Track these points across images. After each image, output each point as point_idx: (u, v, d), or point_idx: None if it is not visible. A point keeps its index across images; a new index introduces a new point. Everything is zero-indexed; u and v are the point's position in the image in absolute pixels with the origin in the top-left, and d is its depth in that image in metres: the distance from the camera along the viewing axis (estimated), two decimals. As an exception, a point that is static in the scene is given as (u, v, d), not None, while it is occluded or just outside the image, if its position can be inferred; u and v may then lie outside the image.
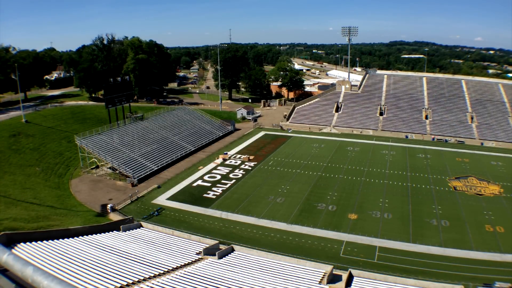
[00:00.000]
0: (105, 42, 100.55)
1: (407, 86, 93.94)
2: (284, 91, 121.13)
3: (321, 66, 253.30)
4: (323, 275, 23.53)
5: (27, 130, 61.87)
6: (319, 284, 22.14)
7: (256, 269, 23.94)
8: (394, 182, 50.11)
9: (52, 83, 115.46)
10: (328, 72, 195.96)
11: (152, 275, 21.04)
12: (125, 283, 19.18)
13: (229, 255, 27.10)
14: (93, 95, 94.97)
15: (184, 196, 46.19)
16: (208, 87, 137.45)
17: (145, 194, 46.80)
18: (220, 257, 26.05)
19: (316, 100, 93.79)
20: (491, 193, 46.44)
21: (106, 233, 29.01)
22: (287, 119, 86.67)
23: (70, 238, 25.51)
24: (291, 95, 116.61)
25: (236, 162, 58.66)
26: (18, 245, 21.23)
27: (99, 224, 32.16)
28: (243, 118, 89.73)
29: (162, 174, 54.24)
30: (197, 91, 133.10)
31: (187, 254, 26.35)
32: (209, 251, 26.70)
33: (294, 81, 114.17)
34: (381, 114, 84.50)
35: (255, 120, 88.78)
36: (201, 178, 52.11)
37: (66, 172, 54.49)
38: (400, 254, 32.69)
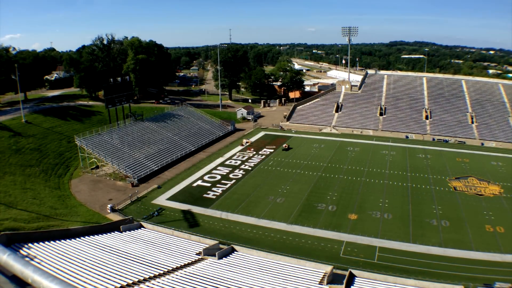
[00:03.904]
0: (105, 42, 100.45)
1: (407, 86, 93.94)
2: (283, 91, 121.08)
3: (320, 66, 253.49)
4: (323, 275, 23.54)
5: (27, 131, 61.87)
6: (319, 284, 22.15)
7: (256, 269, 23.95)
8: (394, 182, 50.10)
9: (52, 83, 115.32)
10: (328, 73, 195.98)
11: (152, 275, 21.06)
12: (125, 283, 19.19)
13: (229, 255, 27.11)
14: (93, 95, 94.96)
15: (184, 196, 46.18)
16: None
17: (145, 194, 46.80)
18: (220, 258, 26.05)
19: (316, 100, 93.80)
20: (491, 193, 46.44)
21: (106, 233, 29.03)
22: (287, 119, 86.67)
23: (71, 239, 25.52)
24: (292, 95, 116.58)
25: (236, 162, 58.66)
26: (18, 245, 21.24)
27: (99, 224, 32.19)
28: (243, 118, 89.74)
29: (162, 174, 54.22)
30: (197, 91, 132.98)
31: (187, 254, 26.36)
32: (209, 252, 26.70)
33: (294, 81, 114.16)
34: (381, 114, 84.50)
35: (255, 120, 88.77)
36: (201, 178, 52.11)
37: (66, 172, 54.50)
38: (400, 254, 32.69)
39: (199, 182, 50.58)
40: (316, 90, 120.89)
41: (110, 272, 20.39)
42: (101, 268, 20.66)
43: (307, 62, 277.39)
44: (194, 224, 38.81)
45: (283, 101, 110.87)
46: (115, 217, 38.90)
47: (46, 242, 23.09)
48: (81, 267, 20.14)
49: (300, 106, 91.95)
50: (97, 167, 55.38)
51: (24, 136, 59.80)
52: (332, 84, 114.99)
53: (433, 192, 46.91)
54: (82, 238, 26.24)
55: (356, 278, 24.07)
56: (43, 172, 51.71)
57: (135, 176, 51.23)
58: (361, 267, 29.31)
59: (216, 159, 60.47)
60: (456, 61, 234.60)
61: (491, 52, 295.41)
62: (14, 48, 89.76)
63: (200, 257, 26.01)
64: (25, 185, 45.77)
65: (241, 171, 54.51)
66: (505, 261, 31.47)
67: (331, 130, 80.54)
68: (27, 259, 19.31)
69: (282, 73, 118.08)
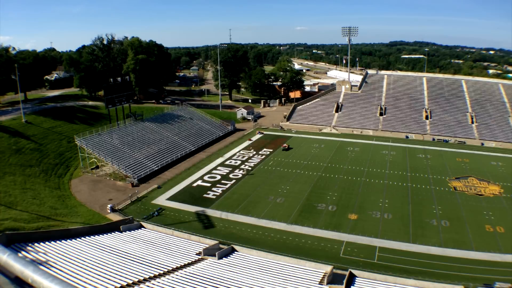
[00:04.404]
0: (105, 42, 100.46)
1: (407, 86, 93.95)
2: (283, 91, 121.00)
3: (315, 66, 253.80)
4: (323, 276, 23.55)
5: (27, 131, 61.88)
6: (319, 284, 22.16)
7: (256, 269, 23.96)
8: (394, 182, 50.10)
9: (52, 83, 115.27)
10: (328, 73, 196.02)
11: (152, 275, 21.06)
12: (125, 283, 19.20)
13: (229, 255, 27.11)
14: (93, 95, 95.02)
15: (184, 196, 46.18)
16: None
17: (145, 194, 46.79)
18: (220, 258, 26.06)
19: (316, 100, 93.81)
20: (491, 193, 46.43)
21: (106, 233, 29.04)
22: (287, 119, 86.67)
23: (71, 239, 25.53)
24: (292, 95, 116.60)
25: (236, 162, 58.66)
26: (18, 245, 21.25)
27: (99, 224, 32.21)
28: (243, 118, 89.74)
29: (162, 174, 54.21)
30: (197, 91, 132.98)
31: (187, 254, 26.38)
32: (209, 252, 26.71)
33: (295, 81, 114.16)
34: (381, 114, 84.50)
35: (255, 120, 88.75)
36: (201, 178, 52.10)
37: (66, 172, 54.52)
38: (400, 254, 32.69)
39: (199, 182, 50.57)
40: (316, 90, 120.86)
41: (110, 272, 20.40)
42: (101, 268, 20.67)
43: (307, 62, 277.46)
44: (194, 224, 38.79)
45: (283, 101, 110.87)
46: (115, 217, 38.90)
47: (46, 242, 23.10)
48: (81, 267, 20.15)
49: (300, 106, 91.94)
50: (97, 167, 55.38)
51: (24, 136, 59.80)
52: (332, 84, 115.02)
53: (433, 192, 46.91)
54: (82, 238, 26.25)
55: (356, 278, 24.08)
56: (43, 172, 51.71)
57: (135, 176, 51.23)
58: (361, 267, 29.29)
59: (216, 159, 60.47)
60: (456, 61, 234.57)
61: (491, 52, 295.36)
62: (14, 48, 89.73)
63: (200, 257, 26.02)
64: (25, 185, 45.77)
65: (241, 171, 54.50)
66: (505, 261, 31.47)
67: (331, 130, 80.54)
68: (27, 259, 19.31)
69: (282, 73, 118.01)
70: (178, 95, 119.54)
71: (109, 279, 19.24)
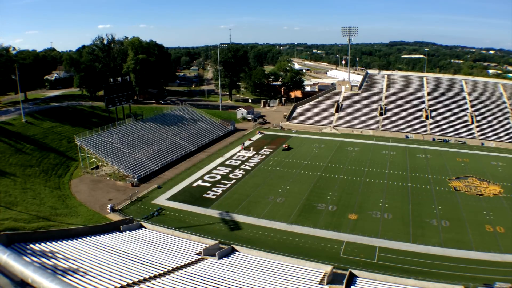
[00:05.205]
0: (105, 42, 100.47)
1: (407, 86, 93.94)
2: (283, 91, 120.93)
3: (315, 66, 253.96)
4: (323, 275, 23.56)
5: (27, 131, 61.88)
6: (319, 284, 22.17)
7: (256, 269, 23.97)
8: (394, 182, 50.09)
9: (52, 83, 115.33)
10: (328, 72, 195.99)
11: (152, 275, 21.07)
12: (125, 283, 19.21)
13: (229, 255, 27.13)
14: (94, 95, 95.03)
15: (184, 196, 46.17)
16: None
17: (145, 194, 46.79)
18: (220, 257, 26.08)
19: (316, 100, 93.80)
20: (491, 193, 46.42)
21: (106, 233, 29.05)
22: (287, 119, 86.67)
23: (71, 239, 25.53)
24: (292, 95, 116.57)
25: (236, 162, 58.66)
26: (18, 245, 21.26)
27: (99, 224, 32.22)
28: (243, 118, 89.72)
29: (162, 174, 54.20)
30: (198, 91, 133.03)
31: (187, 254, 26.39)
32: (209, 252, 26.73)
33: (295, 81, 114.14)
34: (381, 114, 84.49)
35: (255, 120, 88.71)
36: (201, 178, 52.10)
37: (66, 172, 54.52)
38: (400, 254, 32.68)
39: (199, 182, 50.57)
40: (316, 90, 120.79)
41: (110, 272, 20.41)
42: (101, 268, 20.68)
43: (307, 62, 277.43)
44: (195, 224, 38.80)
45: (283, 101, 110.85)
46: (115, 217, 38.90)
47: (47, 242, 23.11)
48: (81, 267, 20.16)
49: (300, 106, 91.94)
50: (97, 167, 55.38)
51: (24, 136, 59.81)
52: (332, 84, 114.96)
53: (433, 192, 46.90)
54: (82, 238, 26.26)
55: (356, 278, 24.10)
56: (43, 172, 51.73)
57: (135, 176, 51.23)
58: (361, 267, 29.29)
59: (216, 159, 60.47)
60: (456, 61, 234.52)
61: (491, 52, 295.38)
62: (14, 48, 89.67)
63: (200, 257, 26.03)
64: (25, 185, 45.78)
65: (241, 171, 54.50)
66: (505, 261, 31.47)
67: (331, 130, 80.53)
68: (27, 259, 19.32)
69: (282, 73, 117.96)
70: (179, 95, 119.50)
71: (109, 279, 19.26)
